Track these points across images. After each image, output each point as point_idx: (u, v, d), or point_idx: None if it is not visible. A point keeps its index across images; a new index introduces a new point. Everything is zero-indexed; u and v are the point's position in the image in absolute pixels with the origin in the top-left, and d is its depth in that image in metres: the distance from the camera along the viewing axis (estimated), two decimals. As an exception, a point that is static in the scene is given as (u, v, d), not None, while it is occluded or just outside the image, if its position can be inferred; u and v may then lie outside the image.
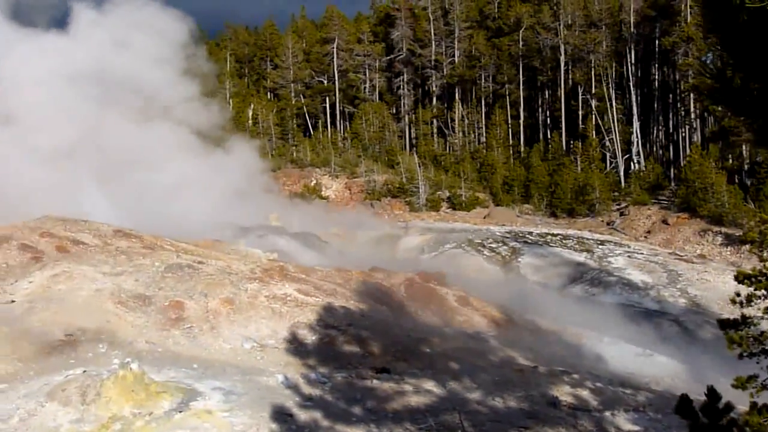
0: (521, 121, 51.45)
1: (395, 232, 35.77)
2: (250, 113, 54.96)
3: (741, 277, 7.41)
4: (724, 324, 7.25)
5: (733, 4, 3.85)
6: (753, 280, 7.34)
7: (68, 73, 27.66)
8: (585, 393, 12.53)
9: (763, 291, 7.30)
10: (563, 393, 12.26)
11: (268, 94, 60.81)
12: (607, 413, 11.55)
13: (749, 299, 7.52)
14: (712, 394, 5.23)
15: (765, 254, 7.90)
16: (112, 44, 30.91)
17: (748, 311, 7.38)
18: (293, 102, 58.20)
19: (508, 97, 52.57)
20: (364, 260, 21.89)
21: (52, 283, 14.79)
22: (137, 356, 11.67)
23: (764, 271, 7.30)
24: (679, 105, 47.66)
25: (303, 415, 10.05)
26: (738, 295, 7.62)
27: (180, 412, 9.85)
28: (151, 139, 29.61)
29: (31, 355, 11.79)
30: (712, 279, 26.15)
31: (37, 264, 15.80)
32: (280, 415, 9.96)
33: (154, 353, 12.42)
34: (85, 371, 10.78)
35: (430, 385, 11.96)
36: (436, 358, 13.50)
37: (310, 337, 13.81)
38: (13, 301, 13.87)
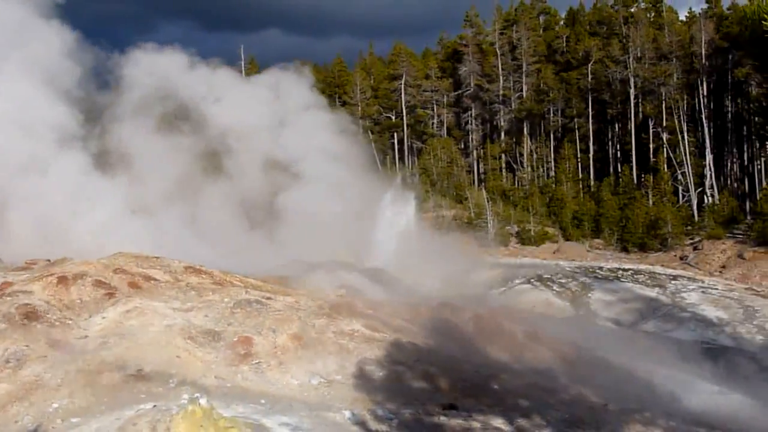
0: (591, 155, 51.11)
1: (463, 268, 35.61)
2: (319, 149, 55.77)
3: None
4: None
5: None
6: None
7: None
8: (657, 432, 12.31)
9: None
10: (635, 432, 12.07)
11: (337, 130, 61.60)
12: (680, 453, 11.32)
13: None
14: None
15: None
16: None
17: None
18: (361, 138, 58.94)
19: (577, 131, 52.28)
20: (432, 296, 21.90)
21: (124, 318, 14.91)
22: (206, 391, 11.69)
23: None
24: (754, 137, 46.62)
25: (370, 451, 10.06)
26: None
27: (248, 447, 9.94)
28: None
29: (103, 389, 11.86)
30: (793, 315, 25.35)
31: (110, 300, 15.99)
32: (348, 450, 9.99)
33: (222, 388, 12.39)
34: (155, 406, 10.79)
35: (498, 422, 11.83)
36: (504, 395, 13.35)
37: (377, 373, 13.70)
38: (86, 337, 14.04)
